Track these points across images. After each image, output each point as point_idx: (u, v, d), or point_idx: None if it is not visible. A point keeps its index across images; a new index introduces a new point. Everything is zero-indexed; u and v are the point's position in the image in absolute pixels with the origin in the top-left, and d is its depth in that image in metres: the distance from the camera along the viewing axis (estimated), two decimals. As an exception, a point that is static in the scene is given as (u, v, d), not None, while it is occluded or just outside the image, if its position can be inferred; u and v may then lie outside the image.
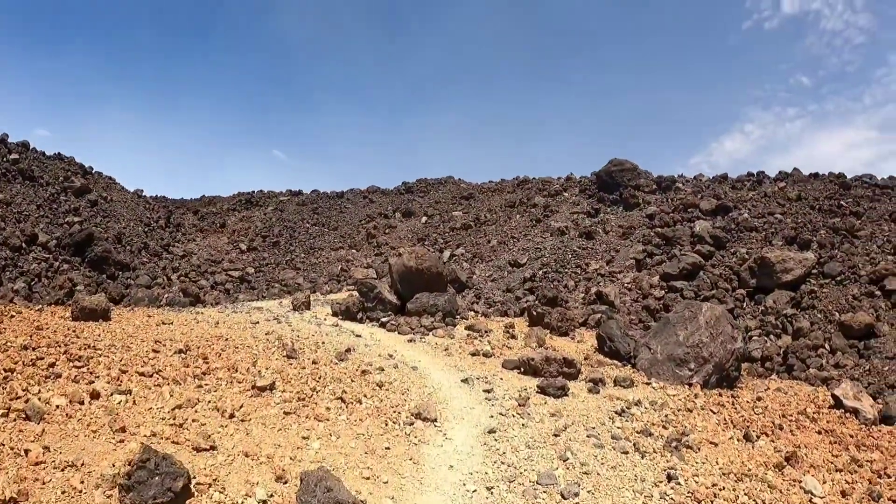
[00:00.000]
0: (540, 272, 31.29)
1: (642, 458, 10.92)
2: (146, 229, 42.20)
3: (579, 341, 21.06)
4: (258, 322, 18.64)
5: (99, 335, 13.67)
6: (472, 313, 24.51)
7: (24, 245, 31.28)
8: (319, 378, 12.84)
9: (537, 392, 14.07)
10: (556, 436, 11.40)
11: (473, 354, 17.43)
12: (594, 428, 12.08)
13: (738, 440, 12.64)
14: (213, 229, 47.66)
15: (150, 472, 6.75)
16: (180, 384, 11.01)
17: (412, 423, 11.33)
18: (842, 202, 31.58)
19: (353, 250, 42.27)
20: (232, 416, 9.93)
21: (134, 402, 9.84)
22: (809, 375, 19.13)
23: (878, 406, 15.26)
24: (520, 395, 13.58)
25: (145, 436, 8.68)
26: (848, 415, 14.79)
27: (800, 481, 10.69)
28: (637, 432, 12.18)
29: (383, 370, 14.47)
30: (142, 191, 49.20)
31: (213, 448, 8.62)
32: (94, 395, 9.70)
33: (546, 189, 44.28)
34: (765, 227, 30.54)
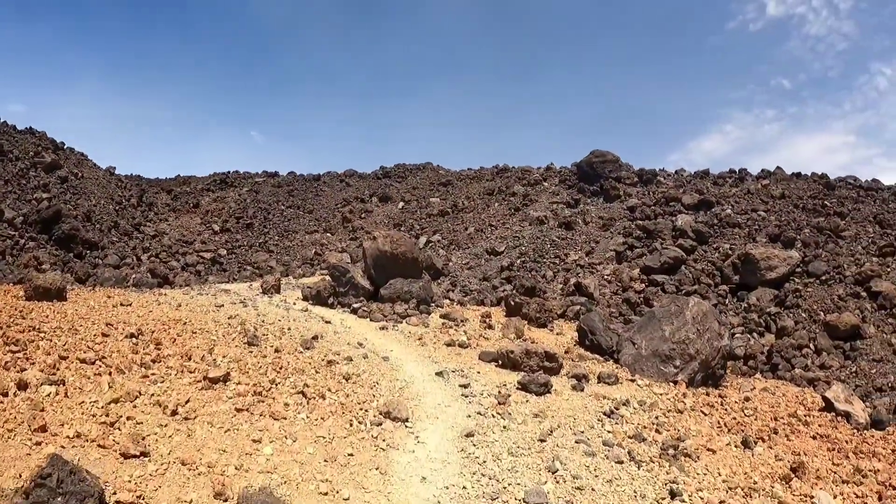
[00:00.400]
0: (518, 261, 30.05)
1: (639, 468, 9.71)
2: (117, 208, 40.42)
3: (559, 333, 19.82)
4: (223, 305, 17.17)
5: (47, 316, 12.23)
6: (448, 301, 23.18)
7: (-12, 221, 29.55)
8: (280, 368, 11.37)
9: (518, 388, 12.77)
10: (541, 441, 10.07)
11: (449, 345, 16.09)
12: (583, 432, 10.81)
13: (735, 446, 11.81)
14: (187, 209, 45.86)
15: (52, 490, 5.31)
16: (124, 373, 9.60)
17: (380, 424, 9.86)
18: (826, 202, 30.70)
19: (329, 234, 40.78)
20: (175, 412, 8.47)
21: (66, 394, 8.43)
22: (795, 376, 18.36)
23: (868, 409, 14.65)
24: (499, 392, 12.24)
25: (68, 437, 7.27)
26: (839, 418, 14.10)
27: (811, 496, 9.69)
28: (629, 437, 10.98)
29: (351, 360, 13.06)
30: (114, 168, 47.24)
31: (144, 454, 7.16)
32: (21, 386, 8.28)
33: (525, 178, 42.93)
34: (748, 224, 29.57)
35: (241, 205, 46.32)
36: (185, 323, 13.61)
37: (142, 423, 8.02)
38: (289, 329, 15.07)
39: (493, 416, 11.00)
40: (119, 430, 7.70)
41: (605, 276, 27.28)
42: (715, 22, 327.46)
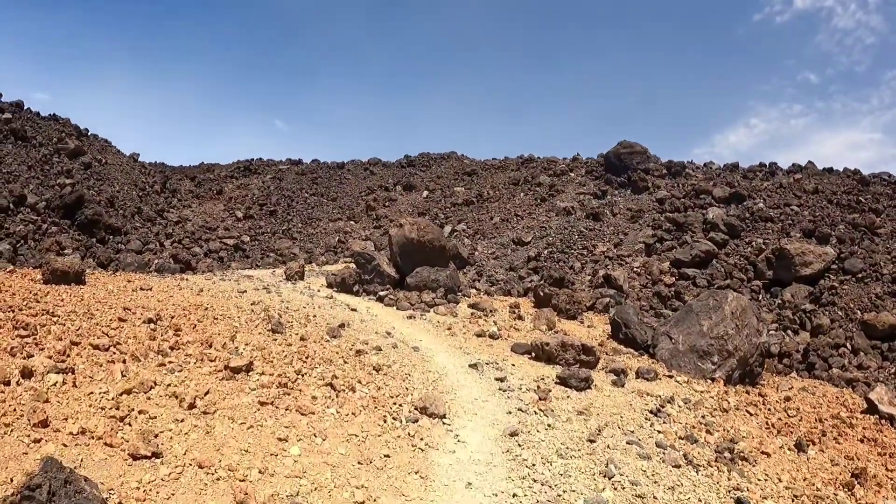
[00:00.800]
0: (545, 252, 28.97)
1: (697, 472, 8.67)
2: (140, 194, 39.56)
3: (589, 326, 18.76)
4: (245, 291, 16.24)
5: (62, 300, 11.32)
6: (474, 291, 22.19)
7: (11, 206, 28.76)
8: (307, 358, 10.35)
9: (557, 383, 11.72)
10: (591, 441, 9.00)
11: (479, 335, 15.07)
12: (633, 432, 9.76)
13: (788, 449, 10.92)
14: (210, 196, 44.99)
15: (41, 504, 4.31)
16: (139, 361, 8.66)
17: (416, 420, 8.79)
18: (860, 198, 29.39)
19: (352, 222, 39.82)
20: (192, 405, 7.47)
21: (74, 383, 7.49)
22: (832, 375, 17.42)
23: (913, 413, 13.84)
24: (538, 387, 11.16)
25: (71, 433, 6.31)
26: (883, 421, 13.26)
27: (876, 504, 8.68)
28: (681, 438, 9.97)
29: (381, 350, 12.02)
30: (138, 155, 46.37)
31: (156, 455, 6.16)
32: (26, 374, 7.35)
33: (551, 168, 41.69)
34: (781, 219, 28.33)
35: (265, 192, 45.41)
36: (206, 308, 12.65)
37: (155, 417, 7.04)
38: (314, 316, 14.09)
39: (536, 412, 9.93)
40: (130, 425, 6.72)
41: (635, 269, 26.16)
42: (741, 13, 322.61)
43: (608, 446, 8.96)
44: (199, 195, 44.89)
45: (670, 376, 14.06)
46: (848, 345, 19.34)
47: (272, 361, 9.75)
